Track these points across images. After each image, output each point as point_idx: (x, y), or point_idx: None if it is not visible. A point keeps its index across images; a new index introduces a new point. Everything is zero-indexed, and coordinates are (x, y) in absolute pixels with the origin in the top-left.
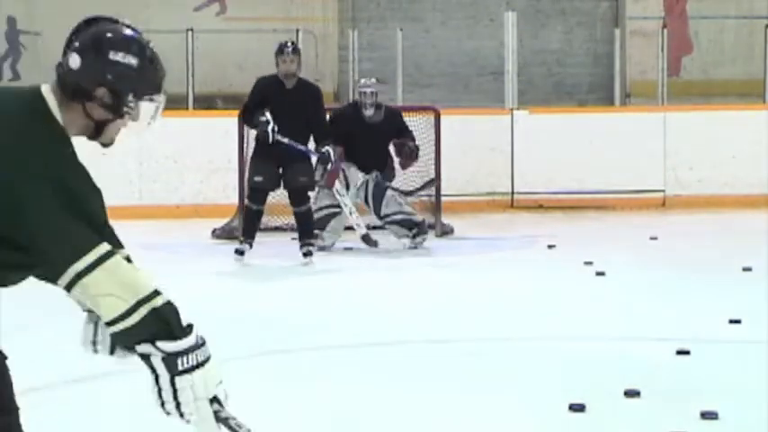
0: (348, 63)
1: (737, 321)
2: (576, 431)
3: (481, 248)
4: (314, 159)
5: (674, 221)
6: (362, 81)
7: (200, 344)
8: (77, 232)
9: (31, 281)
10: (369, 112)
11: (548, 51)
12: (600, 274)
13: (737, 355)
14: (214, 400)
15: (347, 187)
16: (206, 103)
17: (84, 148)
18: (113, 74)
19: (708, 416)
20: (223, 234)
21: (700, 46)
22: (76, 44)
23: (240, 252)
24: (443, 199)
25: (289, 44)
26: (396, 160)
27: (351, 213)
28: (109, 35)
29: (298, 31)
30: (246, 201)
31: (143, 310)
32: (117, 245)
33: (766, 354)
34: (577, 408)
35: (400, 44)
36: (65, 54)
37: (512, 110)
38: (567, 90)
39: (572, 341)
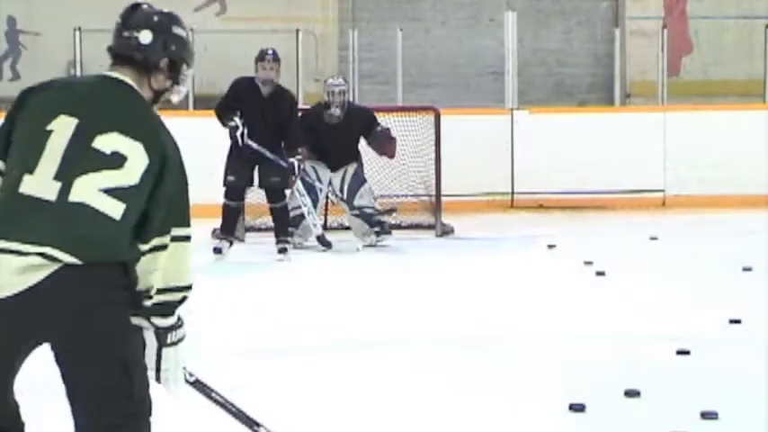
0: (348, 63)
1: (737, 321)
2: (575, 431)
3: (481, 248)
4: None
5: (674, 221)
6: (330, 81)
7: (181, 324)
8: (188, 207)
9: None
10: (334, 111)
11: (548, 51)
12: (600, 274)
13: (737, 355)
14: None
15: (319, 180)
16: (206, 103)
17: None
18: (176, 45)
19: (708, 416)
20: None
21: (700, 46)
22: (141, 23)
23: (218, 250)
24: (443, 199)
25: (270, 51)
26: (366, 158)
27: (308, 213)
28: (168, 12)
29: (298, 31)
30: (225, 199)
31: (186, 293)
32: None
33: (766, 354)
34: (577, 408)
35: (400, 44)
36: (120, 35)
37: (512, 110)
38: (566, 90)
39: (572, 341)
